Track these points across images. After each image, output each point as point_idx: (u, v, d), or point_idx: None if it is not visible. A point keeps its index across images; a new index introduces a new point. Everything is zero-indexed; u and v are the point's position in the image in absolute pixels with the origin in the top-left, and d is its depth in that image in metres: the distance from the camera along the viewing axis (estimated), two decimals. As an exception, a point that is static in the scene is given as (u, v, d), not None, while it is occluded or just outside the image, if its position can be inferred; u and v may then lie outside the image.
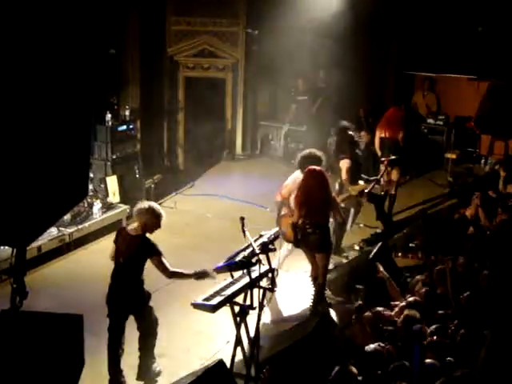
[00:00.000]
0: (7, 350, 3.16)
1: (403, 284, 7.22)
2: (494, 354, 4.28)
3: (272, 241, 5.97)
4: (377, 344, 5.23)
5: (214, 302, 5.44)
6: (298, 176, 7.47)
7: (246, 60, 12.27)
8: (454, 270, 6.49)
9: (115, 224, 9.32)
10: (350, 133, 8.53)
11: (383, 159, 8.98)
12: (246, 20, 11.92)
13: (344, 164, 8.28)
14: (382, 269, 6.62)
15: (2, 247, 6.84)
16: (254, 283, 5.45)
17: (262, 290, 5.50)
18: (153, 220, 5.78)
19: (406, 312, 5.62)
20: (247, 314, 5.61)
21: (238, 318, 5.63)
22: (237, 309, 5.63)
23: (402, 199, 10.01)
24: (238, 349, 5.71)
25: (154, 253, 5.71)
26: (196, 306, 5.58)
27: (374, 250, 7.44)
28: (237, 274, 5.84)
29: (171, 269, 5.77)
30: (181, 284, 7.20)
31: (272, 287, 5.57)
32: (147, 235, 5.81)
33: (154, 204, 5.96)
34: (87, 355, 3.54)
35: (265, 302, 5.55)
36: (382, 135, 9.91)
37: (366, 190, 8.28)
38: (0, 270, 7.10)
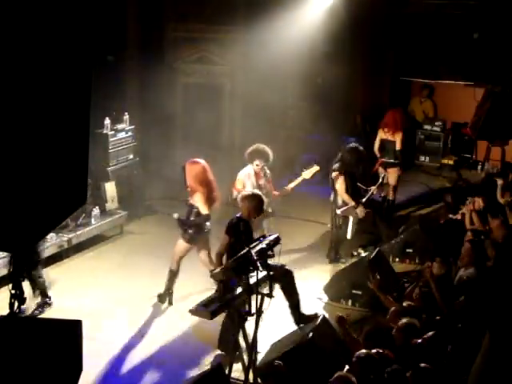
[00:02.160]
0: (5, 356, 3.18)
1: (400, 289, 7.23)
2: (492, 361, 4.28)
3: (271, 247, 5.98)
4: (369, 350, 5.23)
5: (212, 308, 5.45)
6: (249, 170, 7.81)
7: (244, 67, 12.30)
8: (447, 277, 6.50)
9: (114, 230, 9.34)
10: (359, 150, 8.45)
11: (380, 161, 8.99)
12: (245, 27, 11.94)
13: (337, 177, 8.30)
14: (377, 277, 6.54)
15: (0, 253, 6.85)
16: (252, 289, 5.46)
17: (260, 296, 5.51)
18: (250, 205, 6.40)
19: (404, 320, 5.50)
20: (245, 319, 5.62)
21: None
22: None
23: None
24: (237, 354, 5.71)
25: (226, 231, 6.40)
26: (194, 312, 5.59)
27: (372, 256, 7.47)
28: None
29: (218, 252, 6.35)
30: (178, 289, 7.23)
31: (270, 293, 5.57)
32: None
33: (251, 191, 6.61)
34: (85, 361, 3.54)
35: (263, 307, 5.55)
36: (383, 137, 9.87)
37: (363, 200, 8.33)
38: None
